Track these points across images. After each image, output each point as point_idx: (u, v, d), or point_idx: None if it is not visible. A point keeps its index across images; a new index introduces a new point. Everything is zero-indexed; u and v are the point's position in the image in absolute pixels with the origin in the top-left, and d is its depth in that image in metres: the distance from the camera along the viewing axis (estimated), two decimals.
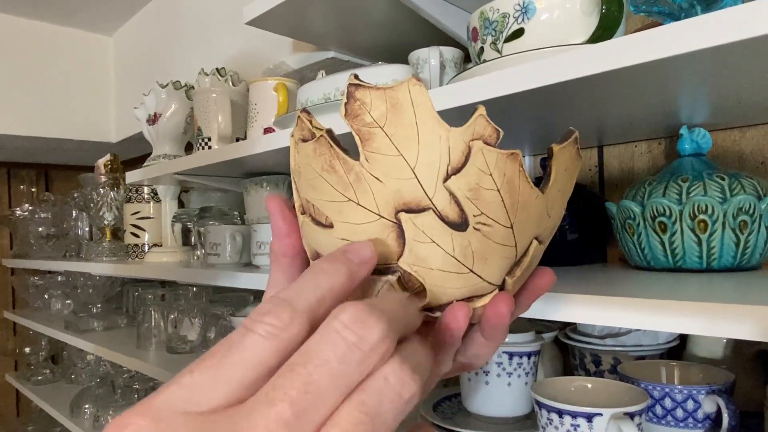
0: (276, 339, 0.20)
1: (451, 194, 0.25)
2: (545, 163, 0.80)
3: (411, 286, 0.27)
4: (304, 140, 0.28)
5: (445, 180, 0.25)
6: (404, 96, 0.25)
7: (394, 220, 0.26)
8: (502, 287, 0.28)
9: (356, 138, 0.25)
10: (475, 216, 0.25)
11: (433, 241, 0.26)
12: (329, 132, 0.27)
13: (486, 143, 0.25)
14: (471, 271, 0.26)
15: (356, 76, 0.26)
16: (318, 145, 0.26)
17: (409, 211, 0.25)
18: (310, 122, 0.28)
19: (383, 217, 0.26)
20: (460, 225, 0.26)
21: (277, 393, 0.19)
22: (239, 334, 0.21)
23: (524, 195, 0.26)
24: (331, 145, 0.26)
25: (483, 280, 0.27)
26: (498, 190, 0.25)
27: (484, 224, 0.26)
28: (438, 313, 0.28)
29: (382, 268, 0.27)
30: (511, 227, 0.26)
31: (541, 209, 0.27)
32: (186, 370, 0.20)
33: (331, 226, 0.27)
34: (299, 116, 0.29)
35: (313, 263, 0.25)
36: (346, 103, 0.25)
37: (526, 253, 0.28)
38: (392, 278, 0.27)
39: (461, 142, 0.25)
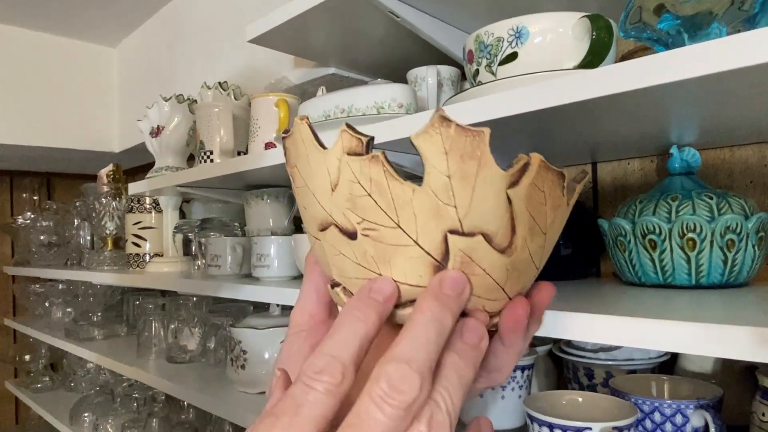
0: (334, 395, 0.24)
1: (338, 208, 0.27)
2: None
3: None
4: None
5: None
6: (297, 135, 0.28)
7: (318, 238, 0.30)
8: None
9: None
10: (358, 224, 0.27)
11: (341, 253, 0.28)
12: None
13: (353, 154, 0.26)
14: (379, 274, 0.29)
15: (286, 131, 0.30)
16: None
17: (322, 230, 0.29)
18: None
19: (316, 239, 0.30)
20: (353, 234, 0.28)
21: None
22: (302, 391, 0.24)
23: (397, 192, 0.26)
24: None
25: (410, 285, 0.29)
26: (369, 195, 0.26)
27: (370, 229, 0.27)
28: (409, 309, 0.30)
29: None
30: (398, 226, 0.26)
31: (429, 202, 0.26)
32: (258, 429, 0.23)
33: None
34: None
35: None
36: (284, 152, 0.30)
37: (448, 253, 0.27)
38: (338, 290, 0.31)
39: (335, 159, 0.27)
